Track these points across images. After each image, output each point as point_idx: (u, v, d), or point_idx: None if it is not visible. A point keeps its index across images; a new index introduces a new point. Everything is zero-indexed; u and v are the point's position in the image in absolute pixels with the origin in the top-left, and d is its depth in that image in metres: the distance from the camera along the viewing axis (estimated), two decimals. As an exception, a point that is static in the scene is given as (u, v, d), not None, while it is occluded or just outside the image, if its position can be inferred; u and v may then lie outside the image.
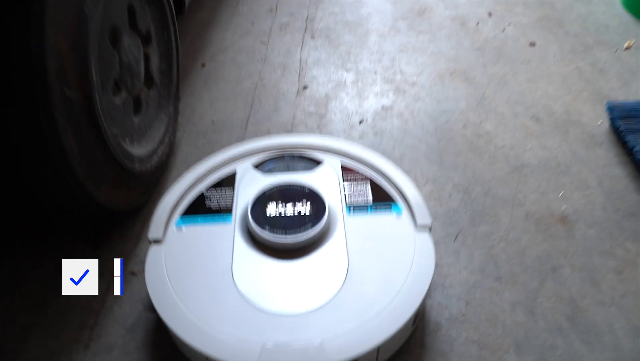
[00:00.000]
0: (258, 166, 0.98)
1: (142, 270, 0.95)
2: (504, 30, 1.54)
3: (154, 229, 0.87)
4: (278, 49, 1.47)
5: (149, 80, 1.05)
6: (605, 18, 1.60)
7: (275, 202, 0.88)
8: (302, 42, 1.49)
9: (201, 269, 0.83)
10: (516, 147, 1.18)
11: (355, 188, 0.94)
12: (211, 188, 0.94)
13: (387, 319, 0.76)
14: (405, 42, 1.49)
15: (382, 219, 0.89)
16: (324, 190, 0.91)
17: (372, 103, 1.29)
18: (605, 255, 0.96)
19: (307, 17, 1.59)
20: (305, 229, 0.84)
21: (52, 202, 0.85)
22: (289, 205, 0.88)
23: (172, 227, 0.88)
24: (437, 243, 0.99)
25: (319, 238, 0.85)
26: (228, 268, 0.82)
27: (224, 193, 0.93)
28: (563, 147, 1.18)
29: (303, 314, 0.77)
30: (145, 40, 1.02)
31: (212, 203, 0.91)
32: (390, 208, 0.91)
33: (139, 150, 0.98)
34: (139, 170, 0.96)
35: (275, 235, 0.84)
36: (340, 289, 0.79)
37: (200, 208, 0.91)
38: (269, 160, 1.00)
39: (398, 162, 1.14)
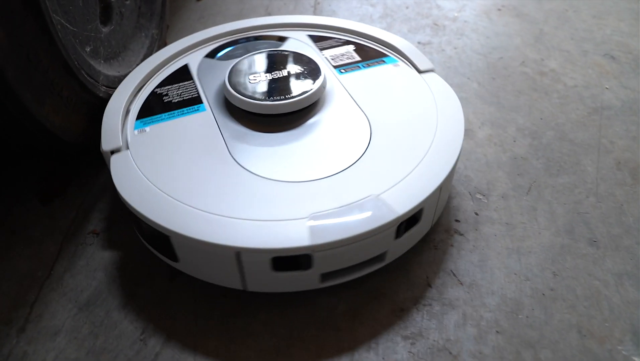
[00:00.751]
0: (211, 56, 0.79)
1: (106, 230, 0.70)
2: (556, -34, 1.29)
3: (108, 138, 0.65)
4: (287, -16, 1.22)
5: (123, -15, 0.80)
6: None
7: (255, 72, 0.72)
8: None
9: (186, 163, 0.62)
10: (591, 86, 0.93)
11: (336, 52, 0.80)
12: (163, 85, 0.74)
13: (438, 160, 0.62)
14: (439, -23, 1.25)
15: (379, 70, 0.75)
16: (304, 53, 0.76)
17: (405, 39, 1.04)
18: None
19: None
20: (302, 89, 0.68)
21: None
22: (273, 71, 0.72)
23: (131, 131, 0.67)
24: (505, 197, 0.74)
25: (320, 98, 0.70)
26: (225, 153, 0.63)
27: (182, 86, 0.74)
28: (651, 87, 0.93)
29: (335, 175, 0.60)
30: None
31: (172, 98, 0.71)
32: (384, 61, 0.77)
33: (107, 69, 0.73)
34: (106, 93, 0.71)
35: (267, 101, 0.66)
36: (369, 144, 0.64)
37: (158, 106, 0.70)
38: (222, 47, 0.81)
39: (443, 102, 0.89)
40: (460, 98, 0.90)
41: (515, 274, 0.65)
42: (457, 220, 0.71)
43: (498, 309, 0.62)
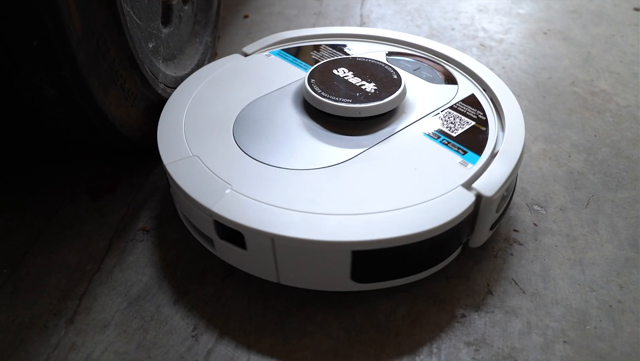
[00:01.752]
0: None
1: (156, 227, 0.69)
2: (599, -5, 1.30)
3: (251, 47, 0.82)
4: (334, 4, 1.24)
5: (183, -8, 0.82)
6: None
7: (344, 68, 0.73)
8: (362, 1, 1.27)
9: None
10: (645, 106, 0.92)
11: (454, 119, 0.69)
12: (323, 47, 0.83)
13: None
14: (484, 3, 1.26)
15: (442, 153, 0.63)
16: (421, 90, 0.73)
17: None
18: None
19: (364, -21, 1.37)
20: (347, 99, 0.67)
21: (38, 107, 0.60)
22: (358, 76, 0.72)
23: (266, 52, 0.82)
24: (564, 210, 0.72)
25: (354, 119, 0.67)
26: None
27: (329, 51, 0.82)
28: None
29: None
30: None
31: (317, 54, 0.81)
32: (464, 154, 0.63)
33: (165, 68, 0.74)
34: (164, 91, 0.71)
35: (313, 91, 0.68)
36: (317, 169, 0.61)
37: (303, 53, 0.81)
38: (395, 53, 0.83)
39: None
40: (511, 114, 0.89)
41: (579, 285, 0.62)
42: (515, 230, 0.69)
43: (564, 319, 0.59)
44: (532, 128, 0.86)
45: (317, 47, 0.83)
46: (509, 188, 0.63)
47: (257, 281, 0.63)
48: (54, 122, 0.63)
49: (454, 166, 0.61)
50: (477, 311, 0.60)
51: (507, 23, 1.17)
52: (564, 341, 0.57)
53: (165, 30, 0.75)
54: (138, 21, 0.66)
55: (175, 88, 0.76)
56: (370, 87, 0.69)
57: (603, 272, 0.64)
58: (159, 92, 0.70)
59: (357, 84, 0.70)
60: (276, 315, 0.59)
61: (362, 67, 0.73)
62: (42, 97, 0.59)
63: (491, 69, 1.01)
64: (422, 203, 0.57)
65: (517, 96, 0.93)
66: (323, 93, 0.68)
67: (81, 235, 0.69)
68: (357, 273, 0.57)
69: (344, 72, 0.72)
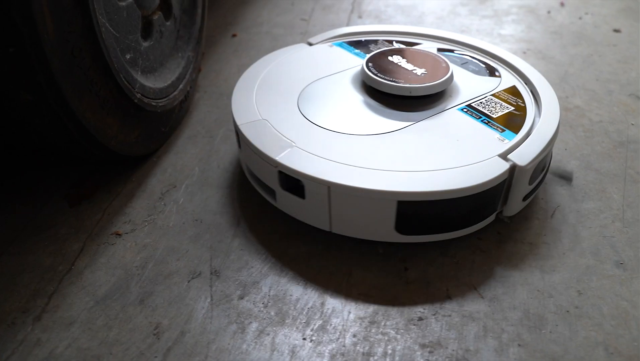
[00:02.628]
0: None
1: (129, 231, 0.71)
2: (580, 18, 1.32)
3: (316, 38, 0.93)
4: (320, 25, 1.28)
5: (166, 8, 0.85)
6: (700, 11, 1.37)
7: (401, 55, 0.82)
8: (348, 21, 1.30)
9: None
10: (616, 122, 0.93)
11: (495, 104, 0.77)
12: (390, 42, 0.92)
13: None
14: (467, 24, 1.29)
15: (483, 130, 0.71)
16: (467, 80, 0.82)
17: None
18: None
19: (354, 0, 1.41)
20: (400, 80, 0.76)
21: (16, 112, 0.63)
22: (411, 63, 0.81)
23: (330, 43, 0.91)
24: (528, 219, 0.73)
25: (406, 97, 0.76)
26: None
27: (386, 45, 0.91)
28: (679, 125, 0.92)
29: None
30: (164, -44, 0.84)
31: (375, 47, 0.90)
32: (503, 131, 0.71)
33: (143, 79, 0.77)
34: (140, 100, 0.74)
35: (371, 73, 0.77)
36: (374, 134, 0.71)
37: (363, 45, 0.91)
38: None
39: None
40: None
41: (538, 291, 0.64)
42: (479, 238, 0.71)
43: (520, 323, 0.60)
44: (504, 142, 0.88)
45: (374, 42, 0.92)
46: (542, 163, 0.70)
47: (221, 284, 0.65)
48: (31, 127, 0.66)
49: (492, 141, 0.69)
50: (434, 315, 0.61)
51: (488, 42, 1.20)
52: (519, 345, 0.58)
53: (145, 44, 0.78)
54: (115, 33, 0.69)
55: (154, 99, 0.78)
56: (421, 71, 0.78)
57: (563, 279, 0.65)
58: (136, 101, 0.73)
59: (410, 69, 0.79)
60: (237, 316, 0.61)
61: (415, 56, 0.83)
62: (19, 102, 0.61)
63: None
64: (462, 166, 0.65)
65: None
66: (379, 74, 0.77)
67: (57, 237, 0.71)
68: (401, 224, 0.64)
69: (399, 59, 0.81)
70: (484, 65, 0.86)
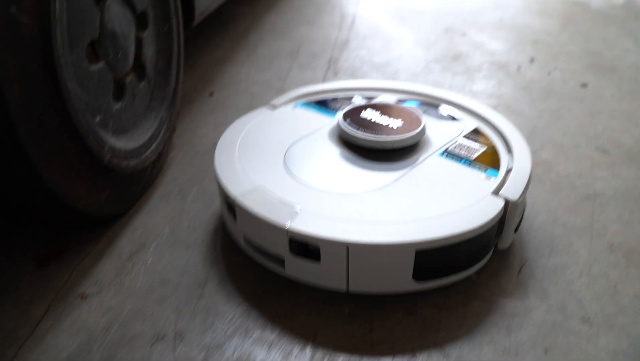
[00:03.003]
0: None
1: (96, 293, 0.71)
2: (549, 73, 1.37)
3: (278, 100, 0.94)
4: (297, 82, 1.31)
5: (139, 70, 0.87)
6: (664, 65, 1.42)
7: (376, 110, 0.86)
8: (324, 78, 1.34)
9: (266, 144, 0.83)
10: (584, 175, 0.95)
11: (468, 146, 0.83)
12: (349, 98, 0.96)
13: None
14: (440, 80, 1.32)
15: (468, 172, 0.77)
16: (433, 127, 0.87)
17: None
18: None
19: (330, 58, 1.45)
20: (378, 134, 0.80)
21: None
22: (384, 116, 0.84)
23: (292, 104, 0.93)
24: (495, 275, 0.74)
25: (389, 150, 0.80)
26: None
27: (346, 101, 0.95)
28: (643, 178, 0.94)
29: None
30: (140, 21, 0.86)
31: (337, 104, 0.93)
32: (486, 170, 0.77)
33: (114, 141, 0.78)
34: (110, 162, 0.75)
35: (351, 129, 0.81)
36: (373, 190, 0.73)
37: (325, 103, 0.94)
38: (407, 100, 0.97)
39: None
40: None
41: (504, 349, 0.63)
42: (446, 296, 0.71)
43: (486, 383, 0.59)
44: (473, 197, 0.89)
45: (334, 99, 0.96)
46: (525, 196, 0.75)
47: (184, 347, 0.64)
48: (-2, 190, 0.67)
49: (480, 180, 0.75)
50: (399, 375, 0.61)
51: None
52: (484, 406, 0.57)
53: (117, 105, 0.80)
54: (85, 96, 0.70)
55: (125, 160, 0.79)
56: (397, 124, 0.82)
57: (529, 336, 0.65)
58: (105, 163, 0.74)
59: (385, 123, 0.83)
60: (200, 380, 0.60)
61: (386, 109, 0.87)
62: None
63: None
64: (465, 208, 0.69)
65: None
66: (360, 130, 0.80)
67: (21, 300, 0.70)
68: (418, 272, 0.67)
69: (372, 114, 0.85)
70: (443, 111, 0.92)
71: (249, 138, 0.84)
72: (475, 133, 0.86)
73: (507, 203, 0.71)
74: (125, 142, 0.82)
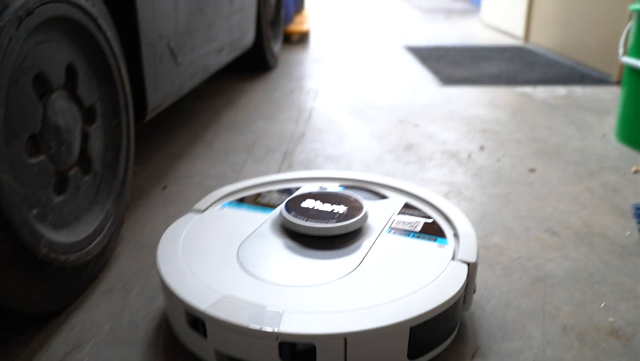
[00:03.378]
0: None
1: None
2: (499, 160, 1.42)
3: (202, 203, 0.91)
4: (252, 175, 1.32)
5: (85, 163, 0.87)
6: (604, 150, 1.49)
7: (314, 199, 0.87)
8: (279, 170, 1.35)
9: (213, 245, 0.80)
10: (534, 258, 0.96)
11: (407, 220, 0.87)
12: (270, 192, 0.96)
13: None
14: (392, 170, 1.35)
15: (420, 244, 0.80)
16: (370, 208, 0.90)
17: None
18: (688, 375, 0.68)
19: (285, 152, 1.48)
20: (329, 222, 0.80)
21: None
22: (326, 204, 0.86)
23: (218, 205, 0.91)
24: (448, 363, 0.71)
25: (341, 236, 0.81)
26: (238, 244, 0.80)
27: (278, 195, 0.95)
28: (592, 258, 0.95)
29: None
30: (87, 115, 0.87)
31: (264, 200, 0.94)
32: (435, 240, 0.81)
33: (53, 234, 0.76)
34: (46, 256, 0.72)
35: (297, 220, 0.81)
36: (343, 277, 0.72)
37: (250, 200, 0.94)
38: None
39: (389, 273, 0.91)
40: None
41: None
42: (397, 387, 0.67)
43: None
44: (425, 283, 0.88)
45: (259, 194, 0.96)
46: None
47: None
48: None
49: (435, 250, 0.78)
50: None
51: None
52: None
53: (58, 199, 0.78)
54: (21, 189, 0.69)
55: (64, 254, 0.77)
56: (341, 209, 0.84)
57: None
58: (40, 257, 0.71)
59: (330, 209, 0.84)
60: None
61: (324, 197, 0.88)
62: None
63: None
64: (438, 277, 0.71)
65: (414, 252, 0.97)
66: (310, 221, 0.80)
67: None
68: (412, 350, 0.67)
69: (313, 202, 0.86)
70: (370, 192, 0.97)
71: (190, 246, 0.79)
72: (408, 208, 0.91)
73: (468, 265, 0.74)
74: (66, 236, 0.79)
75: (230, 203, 0.93)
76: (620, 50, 1.57)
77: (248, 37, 2.05)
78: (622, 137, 1.55)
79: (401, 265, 0.74)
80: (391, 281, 0.71)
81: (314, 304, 0.66)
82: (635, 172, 1.33)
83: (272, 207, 0.91)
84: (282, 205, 0.85)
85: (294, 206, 0.85)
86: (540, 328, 0.78)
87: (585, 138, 1.59)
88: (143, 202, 1.17)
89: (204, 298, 0.67)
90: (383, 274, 0.72)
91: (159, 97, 1.19)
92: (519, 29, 3.59)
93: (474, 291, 0.79)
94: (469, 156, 1.45)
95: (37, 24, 0.72)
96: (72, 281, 0.81)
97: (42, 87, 0.76)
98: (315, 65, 2.69)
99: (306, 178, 1.02)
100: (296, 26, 3.35)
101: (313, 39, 3.59)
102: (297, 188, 0.98)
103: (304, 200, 0.87)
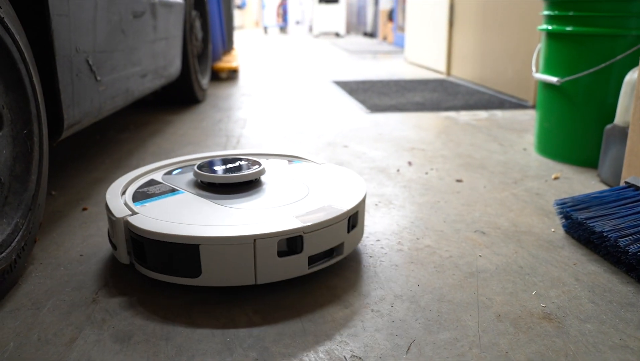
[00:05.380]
0: (169, 173, 1.09)
1: None
2: (427, 173, 1.44)
3: (120, 209, 0.88)
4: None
5: (-13, 172, 0.80)
6: (526, 161, 1.55)
7: (221, 163, 1.03)
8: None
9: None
10: (465, 256, 0.96)
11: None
12: (145, 186, 1.01)
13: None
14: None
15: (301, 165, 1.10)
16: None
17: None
18: (619, 349, 0.69)
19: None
20: (237, 171, 0.98)
21: None
22: (231, 164, 1.03)
23: (135, 206, 0.91)
24: (383, 357, 0.69)
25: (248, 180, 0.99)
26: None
27: (160, 185, 1.01)
28: (520, 253, 0.97)
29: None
30: (-9, 121, 0.81)
31: (156, 190, 0.99)
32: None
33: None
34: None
35: (211, 174, 0.97)
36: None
37: (145, 195, 0.97)
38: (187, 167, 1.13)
39: (322, 281, 0.88)
40: (338, 276, 0.89)
41: None
42: (333, 382, 0.64)
43: None
44: (357, 286, 0.86)
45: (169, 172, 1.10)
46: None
47: None
48: None
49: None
50: None
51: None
52: None
53: (-45, 207, 0.71)
54: None
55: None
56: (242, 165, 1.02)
57: (424, 415, 0.59)
58: None
59: (234, 166, 1.02)
60: None
61: (230, 160, 1.05)
62: None
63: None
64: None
65: (345, 259, 0.95)
66: (216, 172, 0.98)
67: None
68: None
69: (220, 164, 1.03)
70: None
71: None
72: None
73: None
74: (-36, 249, 0.72)
75: (138, 202, 0.95)
76: (533, 68, 1.67)
77: (174, 67, 2.02)
78: (540, 150, 1.62)
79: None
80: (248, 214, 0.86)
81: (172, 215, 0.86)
82: (555, 178, 1.38)
83: (173, 190, 1.00)
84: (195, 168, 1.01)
85: (205, 167, 1.01)
86: (475, 318, 0.77)
87: (507, 152, 1.66)
88: (61, 223, 1.09)
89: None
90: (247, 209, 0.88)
91: (76, 113, 1.13)
92: (441, 64, 3.76)
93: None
94: (398, 171, 1.46)
95: None
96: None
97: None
98: (243, 98, 2.68)
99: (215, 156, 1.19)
100: (225, 63, 3.35)
101: (242, 76, 3.61)
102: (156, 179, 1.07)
103: (213, 165, 1.02)
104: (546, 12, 1.57)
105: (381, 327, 0.75)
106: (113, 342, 0.71)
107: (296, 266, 0.83)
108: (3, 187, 0.84)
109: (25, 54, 0.89)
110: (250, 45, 7.03)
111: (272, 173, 1.06)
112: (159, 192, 0.97)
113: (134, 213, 0.87)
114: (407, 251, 0.98)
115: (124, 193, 0.98)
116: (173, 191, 0.97)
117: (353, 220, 0.91)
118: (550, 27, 1.54)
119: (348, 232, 0.89)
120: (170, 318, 0.77)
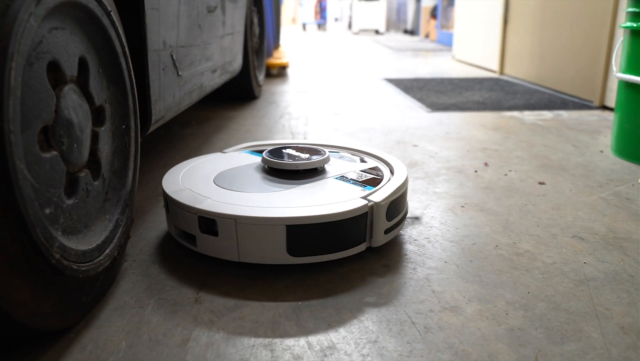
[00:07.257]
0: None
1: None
2: (506, 174, 1.39)
3: (227, 150, 1.20)
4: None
5: (94, 166, 0.79)
6: (606, 164, 1.48)
7: (291, 150, 1.09)
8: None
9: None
10: (569, 262, 0.91)
11: (361, 175, 1.03)
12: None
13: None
14: (401, 184, 1.31)
15: (351, 187, 0.96)
16: (339, 165, 1.09)
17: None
18: None
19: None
20: (294, 160, 1.03)
21: None
22: (299, 152, 1.08)
23: (239, 151, 1.18)
24: (511, 367, 0.65)
25: (298, 172, 1.04)
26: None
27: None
28: (627, 261, 0.92)
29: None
30: (97, 116, 0.80)
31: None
32: (365, 187, 0.96)
33: (64, 239, 0.67)
34: (59, 262, 0.63)
35: (274, 159, 1.02)
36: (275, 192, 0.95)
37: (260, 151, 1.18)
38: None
39: (424, 282, 0.84)
40: (441, 279, 0.86)
41: None
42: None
43: None
44: (464, 290, 0.82)
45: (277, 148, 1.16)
46: (396, 204, 0.93)
47: None
48: None
49: (357, 192, 0.94)
50: None
51: (424, 200, 1.21)
52: None
53: (69, 201, 0.70)
54: (35, 183, 0.61)
55: (76, 263, 0.68)
56: (305, 156, 1.05)
57: None
58: (54, 262, 0.62)
59: (297, 154, 1.06)
60: None
61: (301, 148, 1.10)
62: None
63: (415, 240, 1.00)
64: (336, 203, 0.88)
65: (445, 262, 0.91)
66: (274, 159, 1.02)
67: None
68: (291, 247, 0.84)
69: (290, 151, 1.08)
70: (356, 157, 1.15)
71: (197, 166, 1.08)
72: (373, 169, 1.07)
73: (372, 205, 0.88)
74: (76, 243, 0.71)
75: (249, 151, 1.19)
76: (614, 68, 1.60)
77: (237, 62, 2.01)
78: (619, 152, 1.55)
79: (318, 193, 0.92)
80: (303, 199, 0.89)
81: (233, 200, 0.89)
82: (644, 182, 1.32)
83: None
84: (266, 150, 1.09)
85: (274, 151, 1.08)
86: (598, 329, 0.73)
87: (584, 154, 1.59)
88: (145, 219, 1.08)
89: (173, 187, 0.96)
90: (298, 195, 0.91)
91: (161, 108, 1.13)
92: (493, 63, 3.68)
93: (387, 232, 0.92)
94: (476, 172, 1.42)
95: (54, 6, 0.66)
96: (81, 296, 0.72)
97: (55, 77, 0.69)
98: (299, 95, 2.66)
99: (314, 144, 1.25)
100: (276, 60, 3.35)
101: (291, 73, 3.59)
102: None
103: (286, 148, 1.10)
104: (630, 9, 1.50)
105: (501, 336, 0.71)
106: (226, 345, 0.70)
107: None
108: (104, 182, 0.83)
109: (126, 48, 0.88)
110: (291, 42, 7.03)
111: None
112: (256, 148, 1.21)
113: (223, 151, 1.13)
114: (508, 256, 0.94)
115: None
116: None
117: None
118: (635, 25, 1.47)
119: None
120: (279, 322, 0.75)
